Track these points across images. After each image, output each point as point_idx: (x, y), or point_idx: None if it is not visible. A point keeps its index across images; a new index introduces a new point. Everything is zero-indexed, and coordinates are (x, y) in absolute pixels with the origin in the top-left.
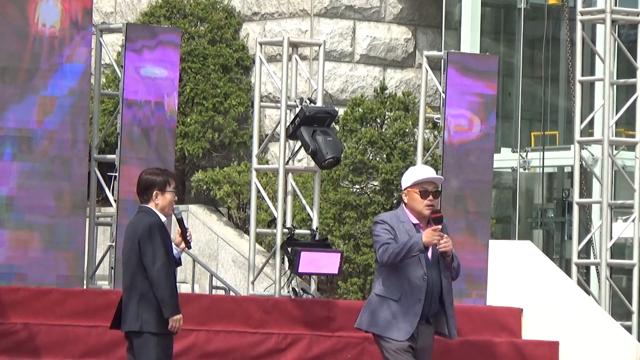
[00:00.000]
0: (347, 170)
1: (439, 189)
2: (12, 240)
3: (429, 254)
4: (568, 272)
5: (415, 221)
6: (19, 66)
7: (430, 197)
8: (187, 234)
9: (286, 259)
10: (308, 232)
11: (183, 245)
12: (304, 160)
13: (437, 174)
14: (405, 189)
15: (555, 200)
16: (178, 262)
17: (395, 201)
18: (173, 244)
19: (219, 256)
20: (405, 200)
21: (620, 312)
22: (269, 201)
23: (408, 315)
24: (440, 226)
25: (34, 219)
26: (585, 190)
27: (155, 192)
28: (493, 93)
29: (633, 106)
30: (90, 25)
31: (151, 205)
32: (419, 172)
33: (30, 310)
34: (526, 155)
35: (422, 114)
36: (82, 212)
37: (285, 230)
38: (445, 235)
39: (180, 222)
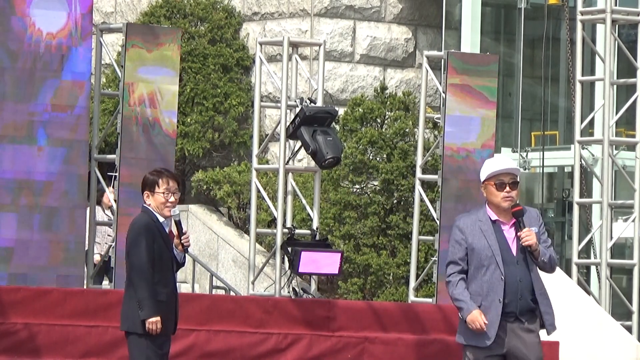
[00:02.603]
0: (347, 170)
1: (517, 180)
2: (14, 240)
3: (513, 250)
4: (568, 272)
5: (495, 217)
6: (20, 66)
7: (507, 188)
8: (183, 237)
9: (286, 259)
10: (308, 232)
11: (181, 247)
12: (304, 160)
13: (511, 165)
14: (482, 183)
15: (555, 200)
16: (179, 263)
17: (395, 201)
18: (174, 245)
19: (219, 256)
20: (484, 194)
21: (620, 312)
22: (269, 201)
23: (489, 318)
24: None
25: (34, 219)
26: (586, 190)
27: (145, 192)
28: (493, 93)
29: (633, 106)
30: (90, 26)
31: (148, 205)
32: (493, 164)
33: (31, 310)
34: (526, 155)
35: (422, 113)
36: (83, 212)
37: (286, 230)
38: (526, 229)
39: (177, 224)
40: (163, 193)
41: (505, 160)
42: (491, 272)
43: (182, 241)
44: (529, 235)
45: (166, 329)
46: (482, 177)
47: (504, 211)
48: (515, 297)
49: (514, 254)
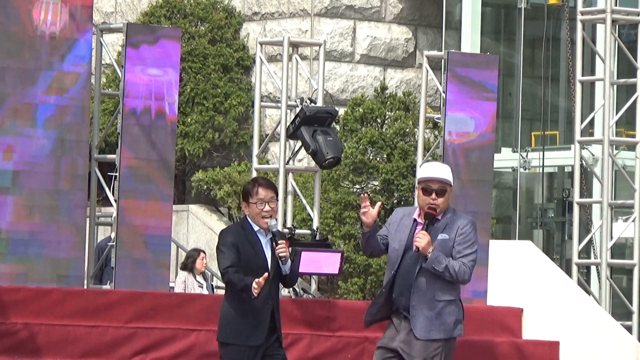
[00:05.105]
0: (348, 170)
1: (445, 188)
2: (14, 240)
3: (414, 248)
4: (568, 272)
5: (415, 216)
6: (19, 66)
7: (433, 195)
8: (277, 247)
9: None
10: (308, 232)
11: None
12: (304, 160)
13: (441, 174)
14: (417, 184)
15: (555, 200)
16: (283, 275)
17: (395, 201)
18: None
19: None
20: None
21: (620, 312)
22: None
23: (375, 303)
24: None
25: (34, 219)
26: (586, 190)
27: (243, 202)
28: (493, 93)
29: (633, 106)
30: (90, 25)
31: (247, 215)
32: (425, 169)
33: (31, 310)
34: (526, 155)
35: (422, 113)
36: (83, 212)
37: (286, 230)
38: (422, 232)
39: (274, 235)
40: (256, 203)
41: (438, 167)
42: (392, 265)
43: (276, 251)
44: (420, 238)
45: (249, 339)
46: (416, 180)
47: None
48: (398, 294)
49: (412, 252)
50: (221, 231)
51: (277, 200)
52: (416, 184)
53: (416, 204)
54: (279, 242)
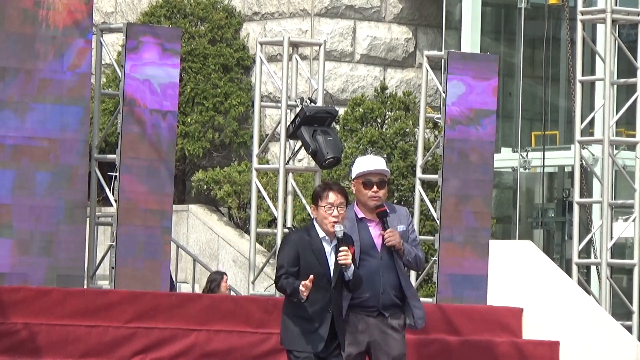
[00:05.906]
0: (348, 170)
1: (385, 180)
2: (13, 241)
3: (377, 247)
4: (568, 272)
5: (361, 215)
6: (19, 66)
7: (375, 187)
8: (339, 256)
9: None
10: None
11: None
12: (304, 160)
13: (380, 166)
14: (352, 180)
15: (555, 200)
16: (345, 281)
17: (395, 201)
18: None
19: (220, 256)
20: (354, 192)
21: (620, 312)
22: (269, 201)
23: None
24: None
25: (34, 219)
26: (586, 190)
27: (312, 205)
28: (493, 93)
29: (633, 106)
30: (91, 25)
31: (314, 219)
32: (362, 163)
33: (31, 310)
34: (527, 155)
35: (422, 113)
36: (83, 212)
37: (286, 230)
38: (389, 229)
39: (339, 240)
40: (324, 207)
41: (375, 160)
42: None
43: (337, 258)
44: (392, 236)
45: (308, 346)
46: (352, 175)
47: (370, 209)
48: (377, 292)
49: (378, 250)
50: (285, 235)
51: (347, 206)
52: (353, 180)
53: (354, 202)
54: (340, 249)
